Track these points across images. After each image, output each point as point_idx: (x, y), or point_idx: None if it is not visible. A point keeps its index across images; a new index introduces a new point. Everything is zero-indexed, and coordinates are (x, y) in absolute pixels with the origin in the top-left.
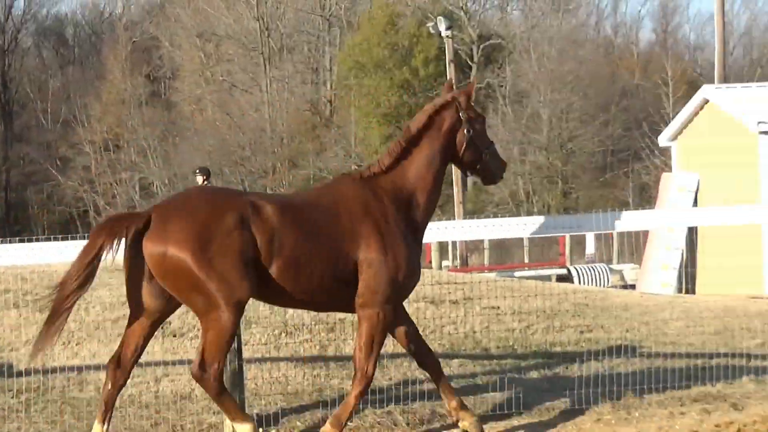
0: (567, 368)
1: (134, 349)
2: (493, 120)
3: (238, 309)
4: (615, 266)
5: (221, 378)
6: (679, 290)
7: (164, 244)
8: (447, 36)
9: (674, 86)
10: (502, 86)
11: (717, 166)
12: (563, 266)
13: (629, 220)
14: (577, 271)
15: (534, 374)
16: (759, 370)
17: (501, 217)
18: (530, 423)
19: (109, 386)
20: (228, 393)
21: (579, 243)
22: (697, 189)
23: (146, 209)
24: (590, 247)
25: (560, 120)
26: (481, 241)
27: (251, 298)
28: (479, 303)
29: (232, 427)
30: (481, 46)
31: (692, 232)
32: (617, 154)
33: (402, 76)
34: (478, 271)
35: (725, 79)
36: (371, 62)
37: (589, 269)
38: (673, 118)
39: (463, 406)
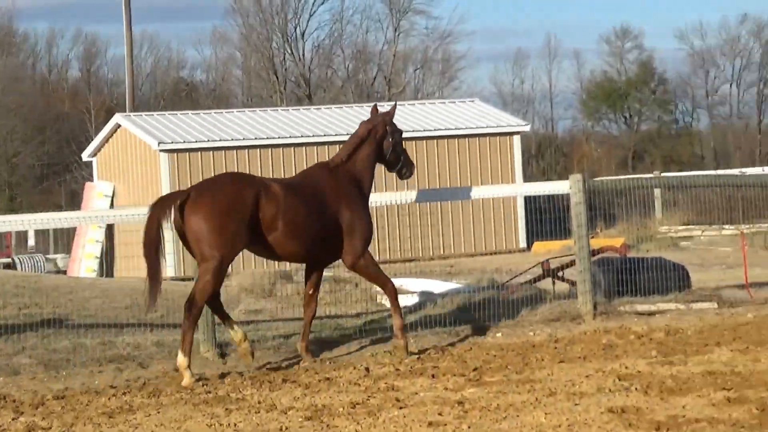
0: (7, 339)
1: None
2: None
3: (228, 262)
4: (51, 256)
5: (198, 315)
6: (101, 274)
7: (196, 214)
8: None
9: (96, 114)
10: None
11: (129, 176)
12: (9, 256)
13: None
14: (20, 260)
15: None
16: (160, 337)
17: None
18: None
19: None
20: (194, 327)
21: (23, 236)
22: (113, 194)
23: (188, 188)
24: (32, 240)
25: (6, 140)
26: None
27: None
28: None
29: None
30: None
31: (111, 228)
32: (53, 167)
33: None
34: None
35: (135, 109)
36: None
37: (30, 258)
38: (94, 139)
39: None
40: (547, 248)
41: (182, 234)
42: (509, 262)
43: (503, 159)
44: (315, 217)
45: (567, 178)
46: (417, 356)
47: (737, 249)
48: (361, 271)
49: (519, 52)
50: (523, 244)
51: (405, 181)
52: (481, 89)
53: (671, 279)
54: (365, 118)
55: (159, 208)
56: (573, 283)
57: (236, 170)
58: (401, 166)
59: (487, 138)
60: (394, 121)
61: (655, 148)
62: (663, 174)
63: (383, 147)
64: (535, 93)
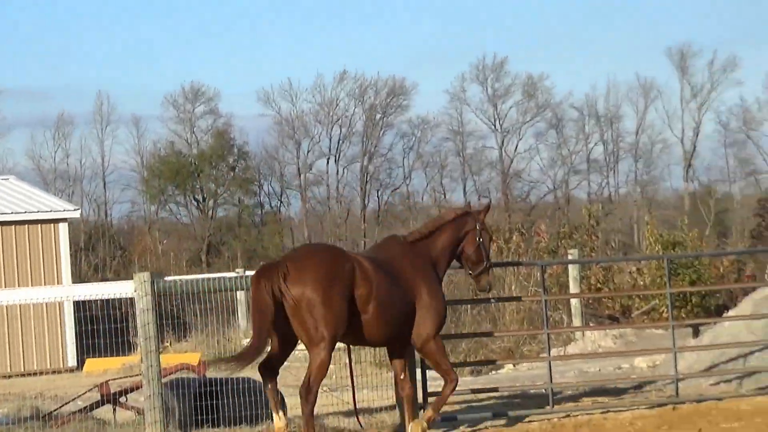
0: None
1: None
2: None
3: (335, 341)
4: None
5: (315, 399)
6: None
7: (303, 287)
8: None
9: None
10: None
11: None
12: None
13: None
14: None
15: None
16: None
17: None
18: None
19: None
20: (313, 414)
21: None
22: None
23: (281, 258)
24: None
25: None
26: None
27: None
28: None
29: None
30: None
31: None
32: None
33: None
34: None
35: None
36: None
37: None
38: None
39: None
40: (103, 367)
41: (276, 310)
42: (56, 385)
43: (46, 252)
44: (402, 295)
45: (128, 278)
46: None
47: (342, 366)
48: (430, 354)
49: (62, 118)
50: (72, 362)
51: None
52: (14, 164)
53: (262, 404)
54: None
55: (266, 276)
56: (140, 411)
57: None
58: (482, 271)
59: (26, 226)
60: None
61: (235, 240)
62: (247, 272)
63: (466, 240)
64: (83, 169)
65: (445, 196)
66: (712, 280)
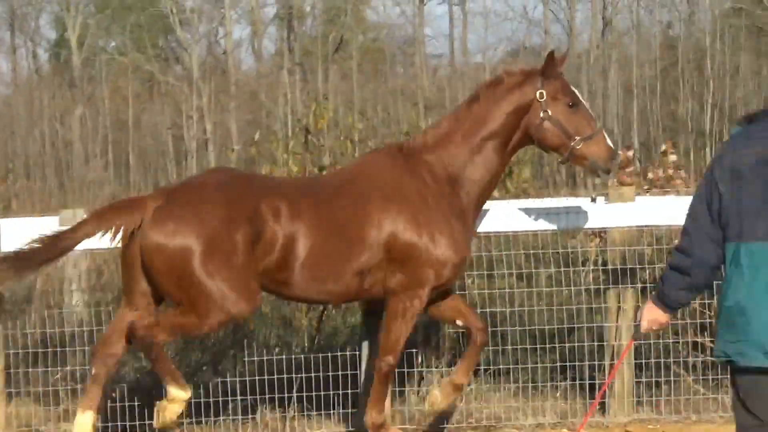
0: None
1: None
2: None
3: (226, 323)
4: None
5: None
6: None
7: (166, 239)
8: None
9: None
10: None
11: None
12: None
13: None
14: None
15: None
16: None
17: None
18: None
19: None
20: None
21: None
22: None
23: (149, 195)
24: None
25: None
26: None
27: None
28: None
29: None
30: None
31: None
32: None
33: None
34: None
35: None
36: None
37: None
38: None
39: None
40: None
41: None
42: None
43: None
44: (352, 243)
45: None
46: None
47: None
48: (395, 323)
49: None
50: None
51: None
52: None
53: None
54: None
55: (93, 222)
56: None
57: None
58: (570, 154)
59: None
60: None
61: None
62: None
63: (526, 120)
64: None
65: None
66: None
